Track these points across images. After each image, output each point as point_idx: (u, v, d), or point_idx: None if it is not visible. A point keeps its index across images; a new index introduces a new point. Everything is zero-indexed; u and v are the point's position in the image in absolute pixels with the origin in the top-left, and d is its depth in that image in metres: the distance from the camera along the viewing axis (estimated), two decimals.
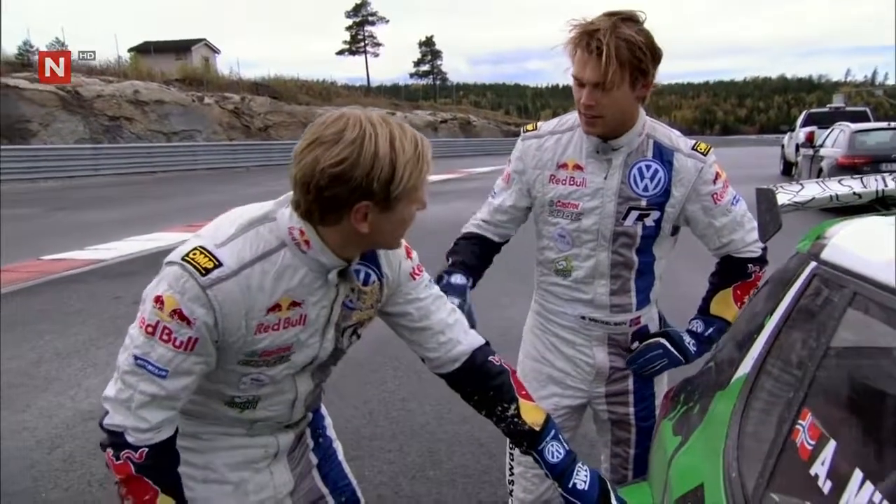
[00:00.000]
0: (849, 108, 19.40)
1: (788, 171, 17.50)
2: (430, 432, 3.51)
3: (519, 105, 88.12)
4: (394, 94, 52.87)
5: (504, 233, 1.92)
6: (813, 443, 0.85)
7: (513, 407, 1.38)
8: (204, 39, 45.97)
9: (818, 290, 1.06)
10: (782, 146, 19.48)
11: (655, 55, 1.58)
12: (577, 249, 1.78)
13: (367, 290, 1.33)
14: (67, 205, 13.69)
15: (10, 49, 29.27)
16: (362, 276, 1.31)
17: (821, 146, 12.80)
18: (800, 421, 0.90)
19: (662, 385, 1.90)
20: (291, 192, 1.19)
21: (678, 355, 1.79)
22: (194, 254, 1.14)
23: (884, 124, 13.33)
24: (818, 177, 12.22)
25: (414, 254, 1.42)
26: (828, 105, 21.50)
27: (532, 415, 1.39)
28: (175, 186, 17.98)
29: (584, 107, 1.62)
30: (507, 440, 1.99)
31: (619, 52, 1.53)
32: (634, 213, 1.71)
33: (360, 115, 1.11)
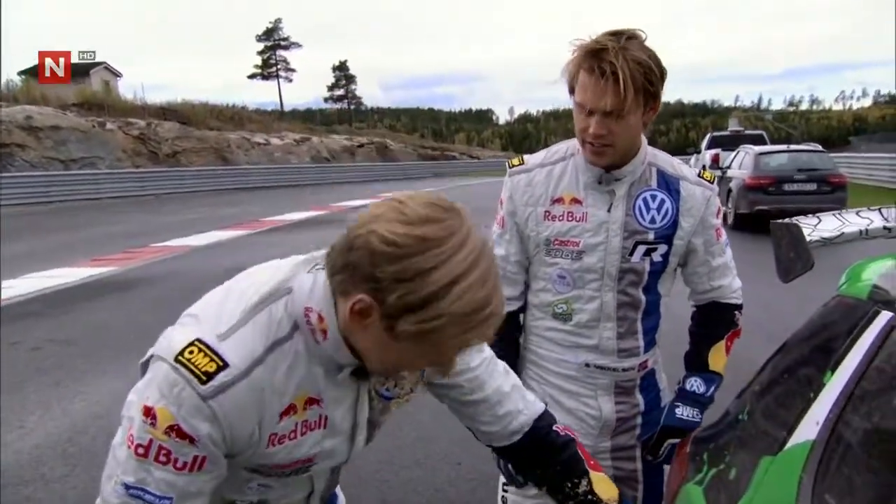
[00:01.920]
0: (747, 132, 20.68)
1: None
2: (381, 479, 3.26)
3: (434, 129, 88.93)
4: (308, 119, 52.03)
5: (522, 286, 1.72)
6: None
7: (584, 482, 1.18)
8: (104, 62, 43.79)
9: None
10: None
11: (664, 76, 1.45)
12: (578, 291, 1.61)
13: (405, 374, 1.09)
14: None
15: None
16: None
17: (727, 168, 13.45)
18: None
19: None
20: (318, 253, 0.95)
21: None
22: (191, 351, 0.89)
23: (783, 147, 14.21)
24: (727, 197, 12.98)
25: None
26: (728, 129, 22.83)
27: (606, 489, 1.19)
28: (77, 217, 16.76)
29: (593, 136, 1.47)
30: (501, 478, 1.78)
31: (634, 76, 1.38)
32: (641, 248, 1.57)
33: (474, 236, 0.86)
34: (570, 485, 1.19)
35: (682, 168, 1.63)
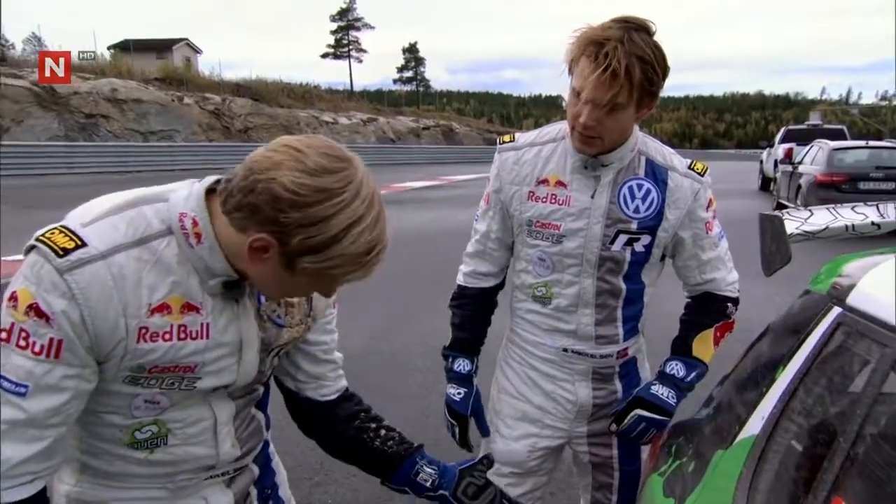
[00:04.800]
0: (826, 126, 19.61)
1: (766, 186, 17.58)
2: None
3: (502, 114, 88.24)
4: (377, 100, 52.52)
5: (501, 264, 1.74)
6: None
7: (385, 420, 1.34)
8: (186, 39, 45.49)
9: (846, 344, 0.90)
10: (761, 161, 19.59)
11: (665, 73, 1.41)
12: (558, 275, 1.60)
13: (294, 303, 1.16)
14: (38, 203, 13.23)
15: None
16: None
17: (799, 163, 12.82)
18: None
19: None
20: (201, 180, 1.03)
21: (661, 417, 1.58)
22: (52, 232, 0.94)
23: (861, 142, 13.40)
24: (797, 193, 12.36)
25: None
26: (805, 122, 21.72)
27: None
28: (151, 186, 17.56)
29: (583, 126, 1.44)
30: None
31: (632, 71, 1.34)
32: (623, 237, 1.54)
33: (368, 182, 0.95)
34: (385, 423, 1.32)
35: (673, 158, 1.58)
